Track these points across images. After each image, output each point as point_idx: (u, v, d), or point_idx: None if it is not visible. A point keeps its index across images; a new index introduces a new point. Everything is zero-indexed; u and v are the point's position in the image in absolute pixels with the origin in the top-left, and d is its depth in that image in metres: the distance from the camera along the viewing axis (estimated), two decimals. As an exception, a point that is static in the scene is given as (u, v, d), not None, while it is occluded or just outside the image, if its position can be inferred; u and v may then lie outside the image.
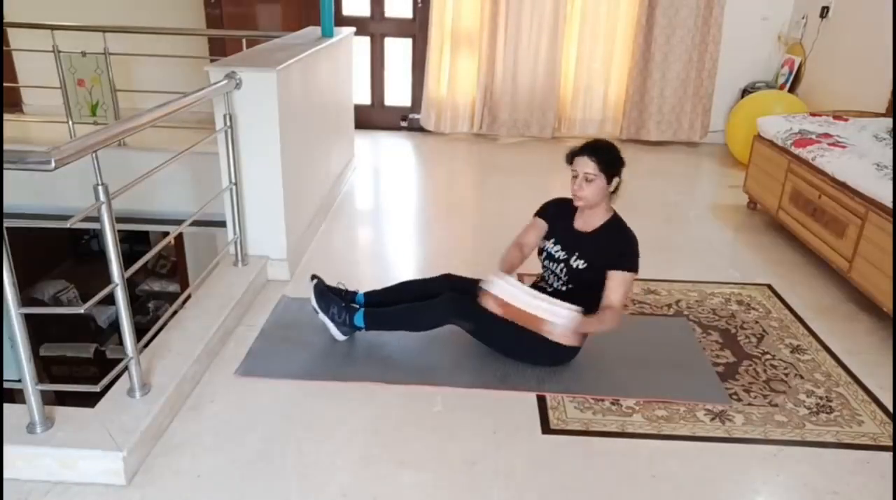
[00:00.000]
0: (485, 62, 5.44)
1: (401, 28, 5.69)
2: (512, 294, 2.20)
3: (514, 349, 2.42)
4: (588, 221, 2.37)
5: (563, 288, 2.38)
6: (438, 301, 2.39)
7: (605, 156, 2.25)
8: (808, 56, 5.07)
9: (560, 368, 2.42)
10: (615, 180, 2.28)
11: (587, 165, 2.24)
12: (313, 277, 2.57)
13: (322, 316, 2.49)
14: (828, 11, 4.88)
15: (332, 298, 2.51)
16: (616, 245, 2.32)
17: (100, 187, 1.81)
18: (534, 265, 2.54)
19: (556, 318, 2.17)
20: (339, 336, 2.51)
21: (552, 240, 2.44)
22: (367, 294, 2.60)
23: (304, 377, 2.35)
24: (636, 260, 2.32)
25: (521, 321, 2.22)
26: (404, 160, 5.39)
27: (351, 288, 2.63)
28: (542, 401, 2.25)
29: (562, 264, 2.38)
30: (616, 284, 2.27)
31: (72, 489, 1.82)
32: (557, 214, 2.46)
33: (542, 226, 2.49)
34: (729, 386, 2.38)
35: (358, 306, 2.52)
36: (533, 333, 2.32)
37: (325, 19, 3.85)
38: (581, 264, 2.33)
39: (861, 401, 2.34)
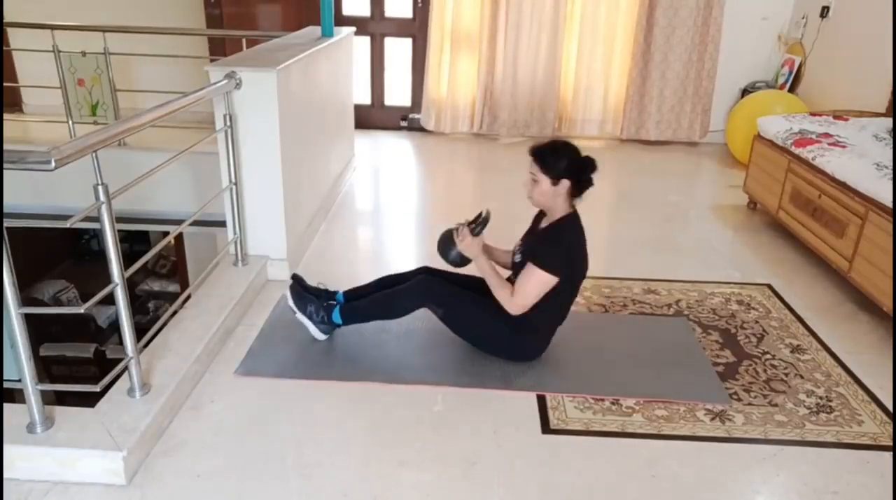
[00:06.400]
0: (485, 62, 5.44)
1: (401, 28, 5.68)
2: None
3: (481, 339, 2.45)
4: (548, 221, 2.38)
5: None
6: (411, 284, 2.42)
7: (547, 159, 2.22)
8: (808, 56, 5.07)
9: (560, 368, 2.42)
10: (563, 183, 2.22)
11: (532, 166, 2.25)
12: (293, 276, 2.59)
13: (299, 316, 2.50)
14: (828, 11, 4.88)
15: (308, 297, 2.51)
16: (546, 241, 2.31)
17: (100, 187, 1.81)
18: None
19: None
20: (319, 335, 2.51)
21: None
22: (346, 293, 2.61)
23: (304, 377, 2.35)
24: (552, 259, 2.24)
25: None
26: (404, 160, 5.39)
27: (350, 288, 2.63)
28: (542, 401, 2.25)
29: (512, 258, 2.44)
30: (524, 272, 2.27)
31: (72, 489, 1.82)
32: (537, 216, 2.50)
33: None
34: (729, 386, 2.39)
35: (335, 304, 2.52)
36: (500, 325, 2.36)
37: (325, 19, 3.85)
38: (518, 257, 2.38)
39: (861, 401, 2.34)
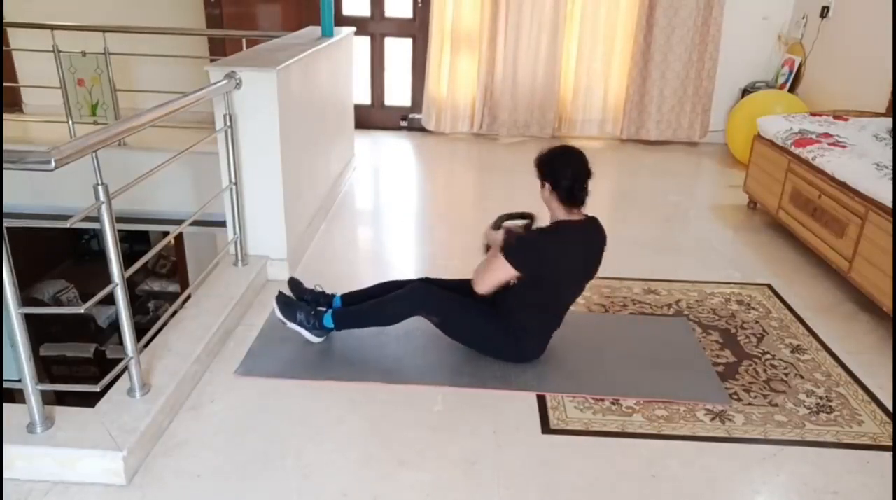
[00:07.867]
0: (485, 62, 5.44)
1: (401, 28, 5.69)
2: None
3: (480, 343, 2.45)
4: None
5: None
6: (405, 291, 2.40)
7: (541, 166, 2.30)
8: (808, 56, 5.08)
9: (560, 368, 2.42)
10: (546, 186, 2.29)
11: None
12: (289, 280, 2.61)
13: (290, 325, 2.48)
14: (828, 11, 4.88)
15: (297, 304, 2.50)
16: (522, 235, 2.37)
17: (100, 187, 1.81)
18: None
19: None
20: (315, 339, 2.50)
21: None
22: (343, 296, 2.60)
23: (304, 377, 2.35)
24: (516, 252, 2.28)
25: None
26: (404, 160, 5.39)
27: (349, 289, 2.62)
28: (542, 401, 2.26)
29: None
30: (495, 260, 2.31)
31: (72, 489, 1.82)
32: None
33: None
34: (729, 386, 2.39)
35: (326, 309, 2.51)
36: (495, 329, 2.37)
37: (325, 19, 3.85)
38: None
39: (861, 401, 2.34)
